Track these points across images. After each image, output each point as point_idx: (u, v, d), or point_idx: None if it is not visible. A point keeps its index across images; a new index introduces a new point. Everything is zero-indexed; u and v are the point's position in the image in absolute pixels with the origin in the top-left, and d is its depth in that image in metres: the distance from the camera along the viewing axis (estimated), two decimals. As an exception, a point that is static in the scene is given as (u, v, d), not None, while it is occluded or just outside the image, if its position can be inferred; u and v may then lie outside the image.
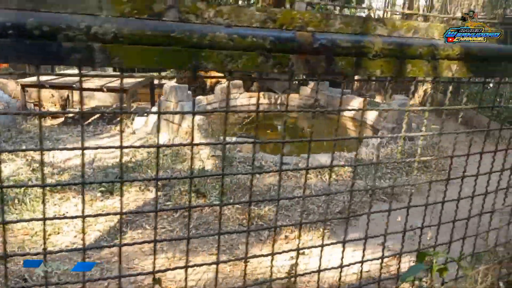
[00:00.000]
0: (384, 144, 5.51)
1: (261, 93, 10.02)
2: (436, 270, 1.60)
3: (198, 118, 5.29)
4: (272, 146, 6.27)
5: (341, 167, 4.64)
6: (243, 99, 9.73)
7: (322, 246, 1.54)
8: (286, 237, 3.20)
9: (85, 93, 9.06)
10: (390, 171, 4.86)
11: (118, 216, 3.44)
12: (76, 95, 9.23)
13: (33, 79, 7.53)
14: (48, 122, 7.49)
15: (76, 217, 1.14)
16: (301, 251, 2.93)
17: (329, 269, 1.54)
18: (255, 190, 3.86)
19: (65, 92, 8.85)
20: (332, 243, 1.64)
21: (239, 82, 9.54)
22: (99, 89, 7.93)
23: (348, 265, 1.51)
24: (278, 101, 10.14)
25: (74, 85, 7.53)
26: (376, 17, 1.17)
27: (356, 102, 9.15)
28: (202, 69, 1.05)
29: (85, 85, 7.64)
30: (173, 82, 6.44)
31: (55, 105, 8.94)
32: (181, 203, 3.70)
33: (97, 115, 8.25)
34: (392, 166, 4.90)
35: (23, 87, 7.56)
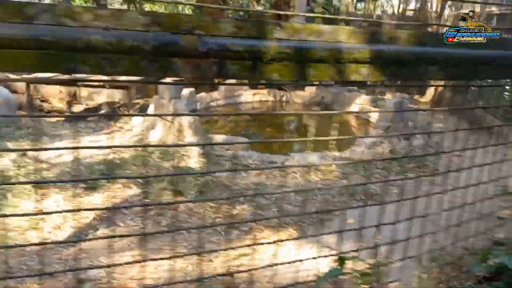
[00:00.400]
0: (377, 143, 5.43)
1: (267, 90, 10.00)
2: (360, 275, 1.57)
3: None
4: (277, 144, 6.20)
5: (328, 167, 4.59)
6: (247, 96, 9.73)
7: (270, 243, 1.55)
8: (254, 236, 3.19)
9: (93, 89, 9.19)
10: (380, 171, 4.79)
11: (93, 214, 3.48)
12: (83, 91, 9.35)
13: (39, 75, 7.67)
14: (53, 118, 7.60)
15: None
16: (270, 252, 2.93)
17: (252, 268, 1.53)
18: (234, 189, 3.86)
19: (73, 89, 8.98)
20: (276, 241, 1.62)
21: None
22: (102, 86, 8.04)
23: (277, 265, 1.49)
24: (284, 98, 10.10)
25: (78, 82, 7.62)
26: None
27: (361, 100, 9.06)
28: (78, 72, 1.06)
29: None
30: (167, 79, 6.43)
31: (62, 101, 9.08)
32: (158, 201, 3.72)
33: (101, 111, 8.37)
34: (382, 166, 4.83)
35: (28, 83, 7.70)
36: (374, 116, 7.99)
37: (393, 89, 12.05)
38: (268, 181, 4.26)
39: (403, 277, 2.01)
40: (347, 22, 9.30)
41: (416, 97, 11.53)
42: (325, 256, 1.56)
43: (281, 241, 1.77)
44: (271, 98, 10.02)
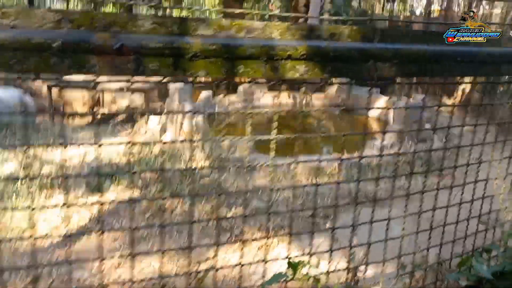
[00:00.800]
0: (389, 146, 5.28)
1: (286, 93, 9.91)
2: (311, 280, 1.51)
3: (199, 118, 5.31)
4: (287, 147, 6.11)
5: (334, 170, 4.50)
6: (267, 99, 9.66)
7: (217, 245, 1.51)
8: (245, 240, 3.14)
9: (117, 93, 9.35)
10: (389, 174, 4.65)
11: (89, 215, 3.51)
12: (107, 96, 9.52)
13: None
14: (76, 121, 7.78)
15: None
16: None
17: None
18: (232, 191, 3.83)
19: (96, 93, 9.15)
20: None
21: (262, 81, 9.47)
22: (121, 90, 8.17)
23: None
24: (304, 101, 9.98)
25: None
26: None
27: (382, 101, 8.86)
28: (-14, 71, 1.05)
29: (111, 85, 7.89)
30: (179, 84, 6.48)
31: (85, 105, 9.27)
32: (154, 202, 3.72)
33: (120, 116, 8.51)
34: (392, 169, 4.69)
35: (49, 87, 7.90)
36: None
37: (419, 89, 11.73)
38: (271, 185, 4.19)
39: (377, 282, 1.93)
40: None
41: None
42: (274, 260, 1.51)
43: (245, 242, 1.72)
44: (291, 101, 9.92)
